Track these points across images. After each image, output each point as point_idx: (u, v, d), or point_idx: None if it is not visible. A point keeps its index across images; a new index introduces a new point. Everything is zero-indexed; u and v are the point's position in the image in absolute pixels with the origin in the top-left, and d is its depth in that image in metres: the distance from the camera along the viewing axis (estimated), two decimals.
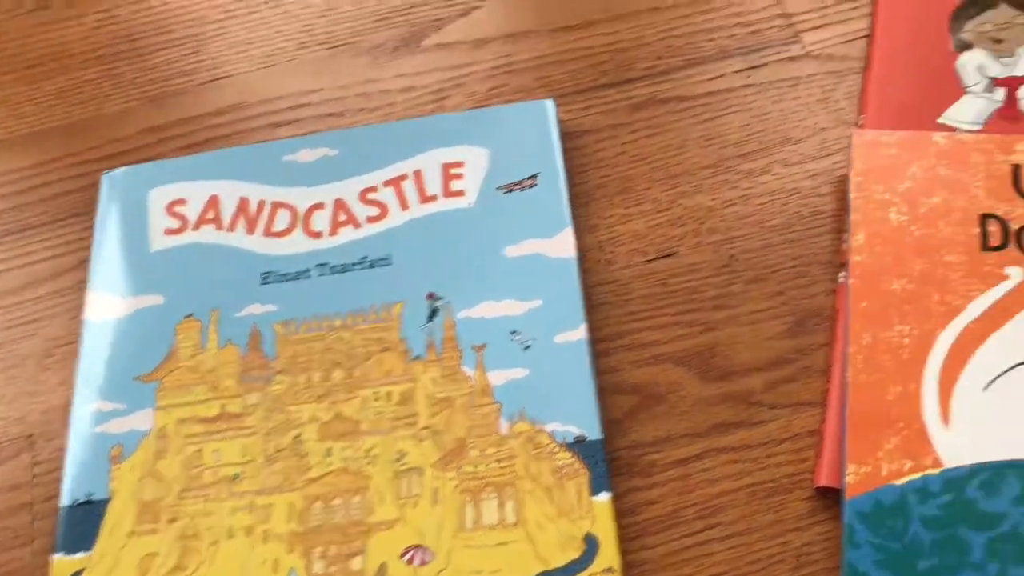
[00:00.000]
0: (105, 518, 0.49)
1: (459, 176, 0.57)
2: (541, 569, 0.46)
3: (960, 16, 0.58)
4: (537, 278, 0.53)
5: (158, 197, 0.58)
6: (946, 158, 0.52)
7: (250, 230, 0.57)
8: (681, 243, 0.56)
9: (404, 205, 0.56)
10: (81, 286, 0.57)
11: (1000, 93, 0.56)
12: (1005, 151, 0.52)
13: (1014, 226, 0.50)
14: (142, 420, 0.52)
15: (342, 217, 0.56)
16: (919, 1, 0.59)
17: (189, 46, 0.66)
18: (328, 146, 0.58)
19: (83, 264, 0.58)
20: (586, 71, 0.62)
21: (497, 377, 0.50)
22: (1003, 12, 0.58)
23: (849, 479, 0.45)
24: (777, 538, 0.47)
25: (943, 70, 0.57)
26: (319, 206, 0.57)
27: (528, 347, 0.51)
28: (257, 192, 0.58)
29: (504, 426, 0.49)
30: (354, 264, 0.55)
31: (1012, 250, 0.50)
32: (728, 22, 0.62)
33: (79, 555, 0.49)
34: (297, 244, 0.56)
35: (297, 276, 0.55)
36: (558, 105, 0.59)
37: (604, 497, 0.47)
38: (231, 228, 0.57)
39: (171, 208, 0.58)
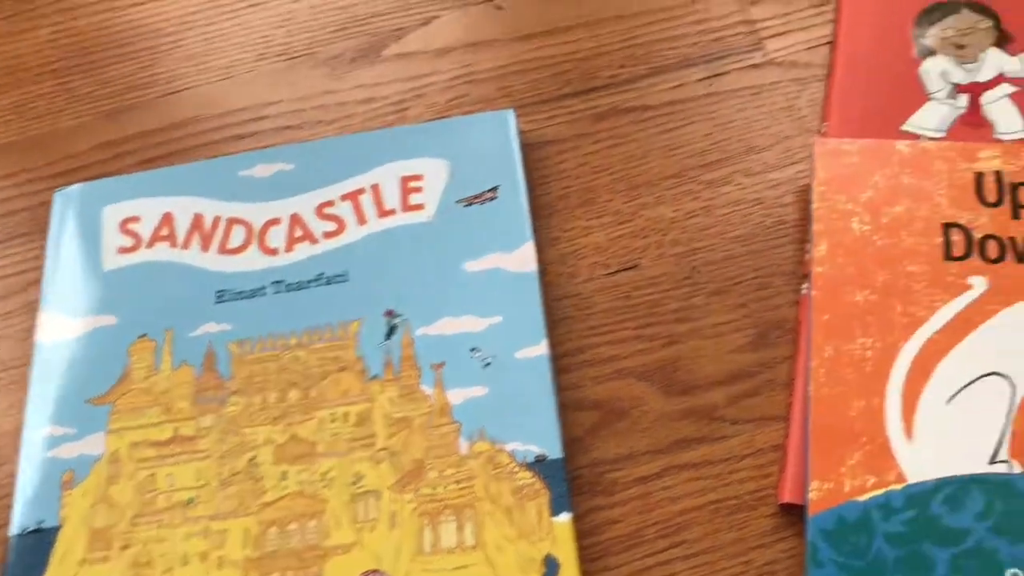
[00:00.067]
0: (55, 546, 0.48)
1: (418, 189, 0.56)
2: None
3: (923, 22, 0.58)
4: (497, 293, 0.52)
5: (112, 215, 0.57)
6: (909, 166, 0.51)
7: (205, 247, 0.55)
8: (643, 255, 0.55)
9: (362, 220, 0.55)
10: (33, 307, 0.56)
11: (963, 99, 0.55)
12: (968, 159, 0.51)
13: (977, 235, 0.49)
14: (94, 444, 0.51)
15: (298, 233, 0.55)
16: (882, 7, 0.59)
17: (145, 59, 0.65)
18: (284, 160, 0.57)
19: (35, 284, 0.56)
20: (548, 81, 0.61)
21: (456, 396, 0.49)
22: (965, 17, 0.58)
23: (812, 496, 0.45)
24: (740, 556, 0.46)
25: (906, 76, 0.56)
26: (275, 222, 0.56)
27: (488, 364, 0.50)
28: (212, 208, 0.56)
29: (463, 446, 0.48)
30: (310, 281, 0.54)
31: (975, 259, 0.49)
32: (691, 29, 0.61)
33: None
34: (252, 261, 0.55)
35: (252, 294, 0.54)
36: (520, 115, 0.59)
37: (565, 518, 0.46)
38: (185, 245, 0.56)
39: (124, 226, 0.57)
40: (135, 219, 0.57)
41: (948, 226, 0.50)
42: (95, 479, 0.50)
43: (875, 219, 0.50)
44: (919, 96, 0.56)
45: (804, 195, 0.55)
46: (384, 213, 0.55)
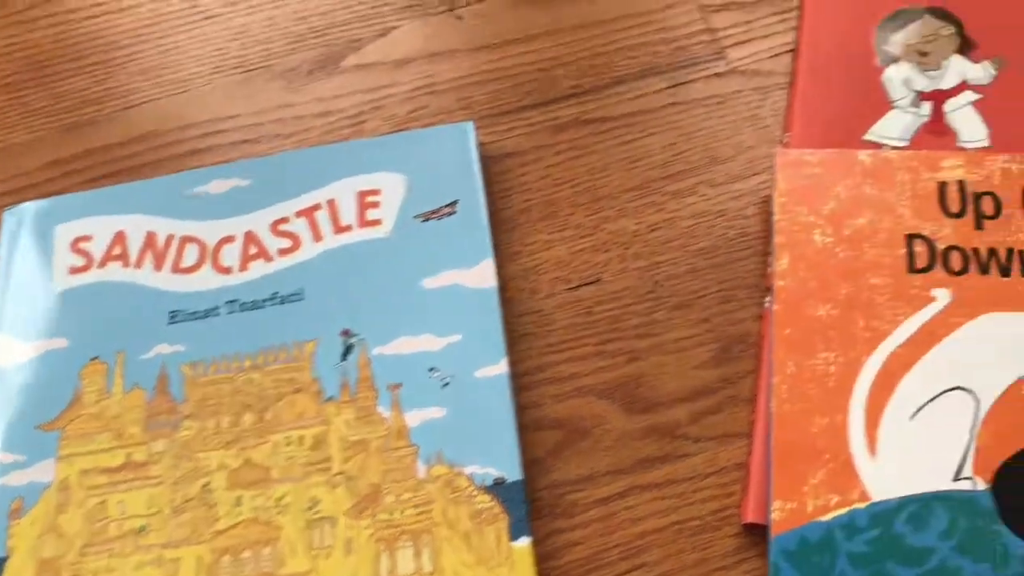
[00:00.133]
0: None
1: (375, 204, 0.55)
2: None
3: (885, 29, 0.57)
4: (456, 311, 0.51)
5: (63, 233, 0.56)
6: (871, 177, 0.51)
7: (158, 266, 0.54)
8: (605, 269, 0.54)
9: (317, 236, 0.54)
10: None
11: (926, 107, 0.55)
12: (931, 168, 0.51)
13: (941, 246, 0.49)
14: (43, 472, 0.49)
15: (253, 250, 0.54)
16: (845, 14, 0.58)
17: (99, 73, 0.64)
18: (239, 176, 0.56)
19: None
20: (508, 92, 0.60)
21: (414, 418, 0.48)
22: (928, 24, 0.57)
23: (774, 516, 0.44)
24: None
25: (869, 84, 0.56)
26: (229, 239, 0.54)
27: (447, 384, 0.49)
28: (165, 226, 0.55)
29: (421, 469, 0.47)
30: (265, 300, 0.52)
31: (939, 271, 0.48)
32: (653, 38, 0.60)
33: None
34: (206, 280, 0.53)
35: (206, 314, 0.52)
36: (480, 128, 0.58)
37: (524, 542, 0.45)
38: (138, 265, 0.54)
39: (76, 245, 0.56)
40: (87, 238, 0.56)
41: (911, 237, 0.49)
42: (44, 507, 0.48)
43: (837, 231, 0.49)
44: (882, 104, 0.55)
45: (767, 206, 0.54)
46: (340, 229, 0.54)
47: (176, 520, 0.48)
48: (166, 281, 0.54)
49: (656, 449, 0.49)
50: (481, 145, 0.57)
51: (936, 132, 0.54)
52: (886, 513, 0.43)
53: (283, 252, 0.54)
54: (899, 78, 0.55)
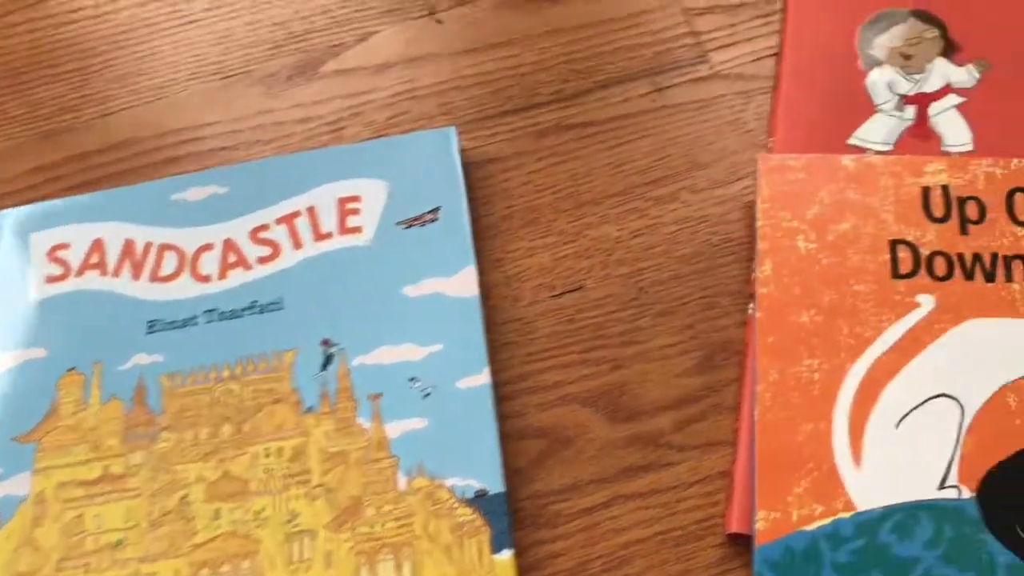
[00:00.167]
0: None
1: (356, 211, 0.54)
2: None
3: (869, 31, 0.57)
4: (438, 320, 0.50)
5: (40, 242, 0.55)
6: (855, 182, 0.50)
7: (136, 275, 0.54)
8: (589, 276, 0.53)
9: (297, 244, 0.53)
10: None
11: (910, 111, 0.54)
12: (915, 173, 0.50)
13: (925, 251, 0.48)
14: (19, 485, 0.49)
15: (232, 258, 0.53)
16: (829, 17, 0.57)
17: (76, 80, 0.63)
18: (218, 183, 0.56)
19: None
20: (490, 97, 0.59)
21: (394, 429, 0.48)
22: (912, 26, 0.57)
23: (758, 526, 0.43)
24: None
25: (853, 88, 0.55)
26: (208, 247, 0.54)
27: (428, 395, 0.49)
28: (143, 234, 0.55)
29: (402, 482, 0.47)
30: (244, 309, 0.52)
31: (923, 277, 0.48)
32: (635, 42, 0.60)
33: None
34: (185, 289, 0.53)
35: (184, 323, 0.52)
36: (461, 133, 0.57)
37: (506, 555, 0.45)
38: (116, 273, 0.54)
39: (53, 253, 0.55)
40: (64, 246, 0.55)
41: (895, 243, 0.49)
42: (19, 521, 0.48)
43: (821, 237, 0.49)
44: (866, 108, 0.55)
45: (750, 212, 0.53)
46: (320, 237, 0.53)
47: (154, 534, 0.47)
48: (144, 290, 0.53)
49: (640, 458, 0.48)
50: (463, 151, 0.56)
51: (920, 136, 0.54)
52: (871, 522, 0.43)
53: (262, 260, 0.53)
54: (883, 82, 0.55)
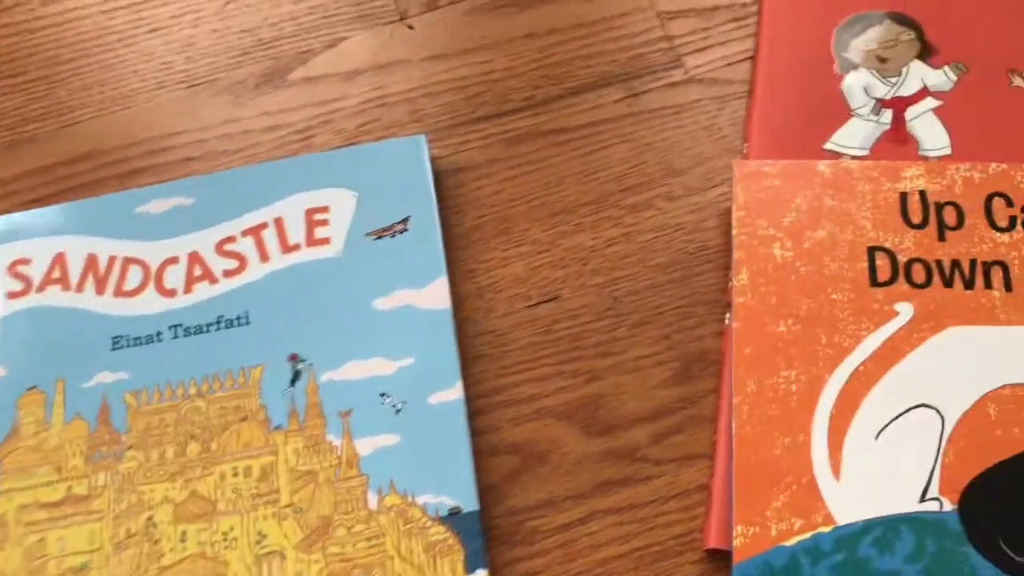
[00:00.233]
0: None
1: (324, 222, 0.53)
2: None
3: (844, 34, 0.56)
4: (409, 333, 0.49)
5: (0, 256, 0.54)
6: (831, 188, 0.50)
7: (99, 290, 0.52)
8: (564, 286, 0.52)
9: (264, 256, 0.52)
10: None
11: (887, 115, 0.54)
12: (892, 178, 0.50)
13: (903, 259, 0.48)
14: None
15: (197, 272, 0.52)
16: (804, 20, 0.57)
17: (40, 89, 0.61)
18: (183, 195, 0.54)
19: None
20: (461, 103, 0.58)
21: (365, 445, 0.47)
22: (888, 28, 0.56)
23: (737, 541, 0.43)
24: None
25: (829, 92, 0.54)
26: (173, 260, 0.52)
27: (399, 410, 0.48)
28: (107, 247, 0.53)
29: (373, 500, 0.46)
30: (210, 324, 0.51)
31: (902, 284, 0.47)
32: (608, 47, 0.59)
33: None
34: (150, 304, 0.52)
35: (149, 340, 0.51)
36: (432, 141, 0.56)
37: (481, 574, 0.44)
38: (79, 288, 0.52)
39: (14, 268, 0.53)
40: (25, 261, 0.54)
41: (873, 250, 0.48)
42: None
43: (797, 244, 0.48)
44: (842, 112, 0.54)
45: (726, 218, 0.53)
46: (288, 249, 0.52)
47: (118, 557, 0.46)
48: (108, 305, 0.52)
49: (616, 472, 0.47)
50: (433, 159, 0.55)
51: (897, 140, 0.53)
52: (851, 537, 0.42)
53: (228, 273, 0.52)
54: (859, 85, 0.54)
